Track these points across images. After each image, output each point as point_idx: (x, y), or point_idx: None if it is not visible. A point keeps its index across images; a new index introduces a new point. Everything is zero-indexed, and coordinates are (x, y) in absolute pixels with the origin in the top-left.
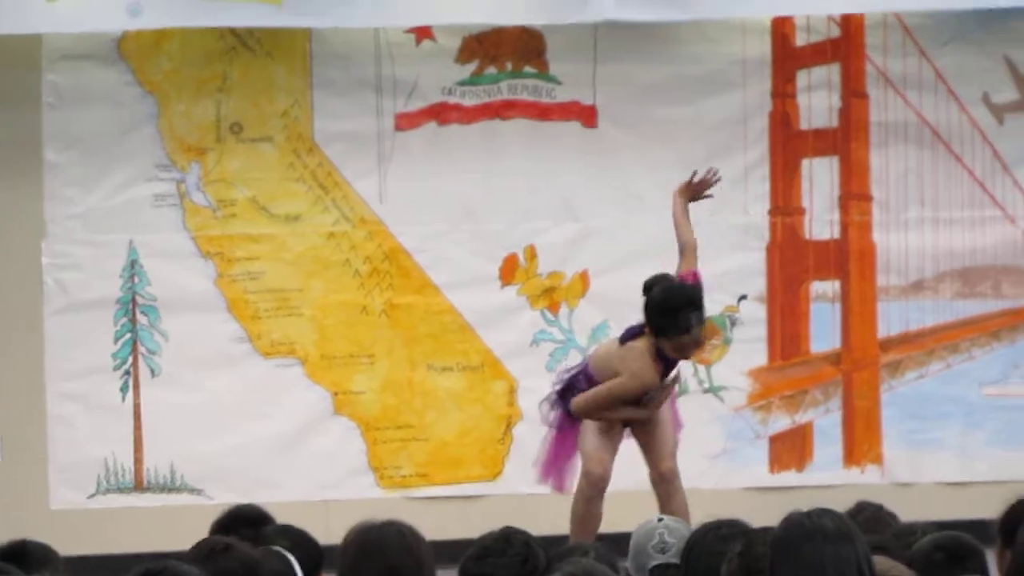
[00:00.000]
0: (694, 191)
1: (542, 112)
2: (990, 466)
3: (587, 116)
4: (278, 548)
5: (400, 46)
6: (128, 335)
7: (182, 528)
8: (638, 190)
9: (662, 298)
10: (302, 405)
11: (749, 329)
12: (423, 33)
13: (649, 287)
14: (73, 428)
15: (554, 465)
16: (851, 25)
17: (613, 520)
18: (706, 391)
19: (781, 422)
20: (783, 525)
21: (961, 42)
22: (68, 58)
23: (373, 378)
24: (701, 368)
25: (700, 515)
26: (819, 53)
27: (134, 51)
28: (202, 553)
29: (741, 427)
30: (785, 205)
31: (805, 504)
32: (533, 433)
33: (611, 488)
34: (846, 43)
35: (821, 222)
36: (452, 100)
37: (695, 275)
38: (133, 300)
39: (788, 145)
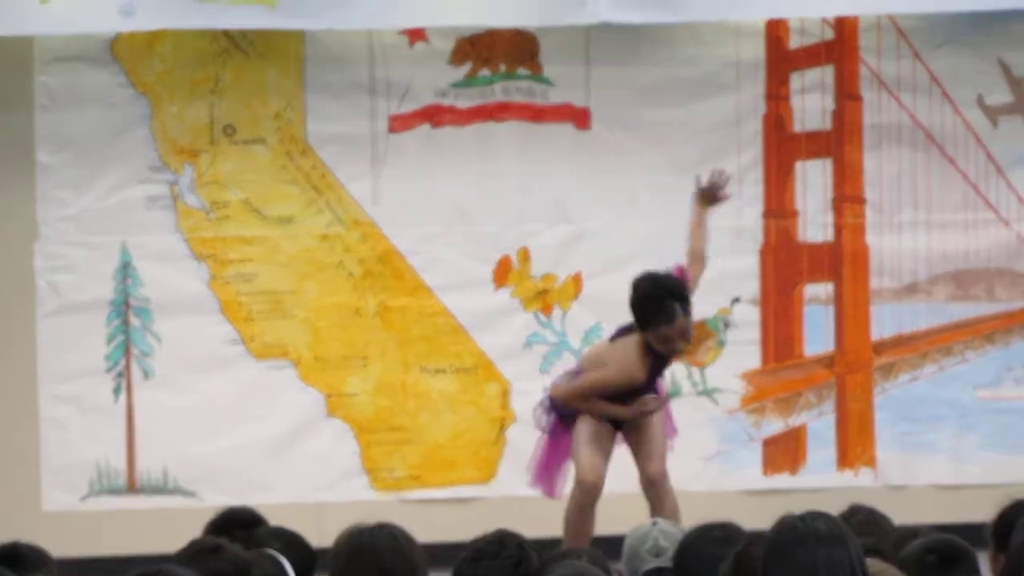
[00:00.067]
0: (707, 196)
1: (535, 114)
2: (983, 469)
3: (580, 118)
4: (271, 551)
5: (393, 48)
6: (121, 337)
7: (175, 530)
8: (632, 192)
9: (644, 289)
10: (295, 407)
11: (742, 332)
12: (416, 35)
13: (634, 283)
14: (66, 430)
15: (546, 471)
16: (845, 27)
17: (606, 523)
18: (699, 393)
19: (774, 425)
20: (776, 528)
21: (955, 44)
22: (61, 59)
23: (366, 380)
24: (695, 370)
25: (693, 518)
26: (813, 55)
27: (127, 53)
28: (192, 554)
29: (734, 430)
30: (779, 208)
31: (798, 507)
32: (526, 435)
33: (604, 491)
34: (840, 45)
35: (815, 225)
36: (445, 102)
37: (681, 270)
38: (126, 302)
39: (782, 147)
